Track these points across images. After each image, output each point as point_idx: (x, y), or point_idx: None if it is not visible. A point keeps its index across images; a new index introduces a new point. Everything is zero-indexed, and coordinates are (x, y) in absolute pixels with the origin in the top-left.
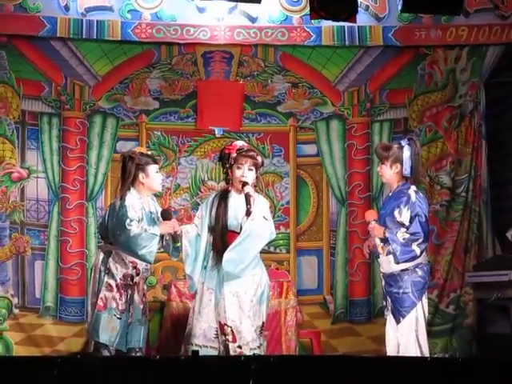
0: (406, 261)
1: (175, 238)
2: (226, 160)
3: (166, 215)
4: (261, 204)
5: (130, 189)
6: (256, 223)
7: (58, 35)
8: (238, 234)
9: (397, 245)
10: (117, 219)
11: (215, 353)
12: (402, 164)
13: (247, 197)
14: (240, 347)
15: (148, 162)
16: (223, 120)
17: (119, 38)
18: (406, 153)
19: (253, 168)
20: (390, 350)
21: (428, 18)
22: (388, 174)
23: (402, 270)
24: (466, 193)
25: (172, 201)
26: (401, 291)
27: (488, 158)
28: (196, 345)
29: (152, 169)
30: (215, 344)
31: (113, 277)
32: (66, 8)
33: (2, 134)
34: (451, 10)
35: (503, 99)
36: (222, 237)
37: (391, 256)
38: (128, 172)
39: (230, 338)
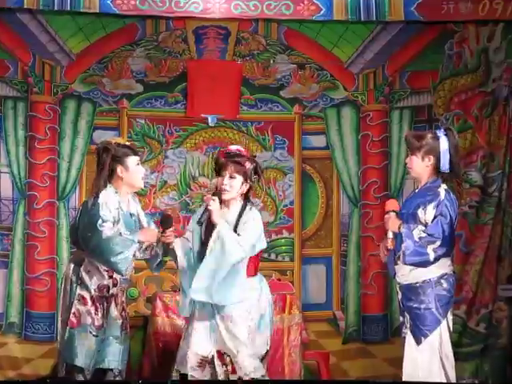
0: (415, 264)
1: (167, 250)
2: (215, 167)
3: (166, 222)
4: (231, 217)
5: (106, 185)
6: (218, 241)
7: (26, 6)
8: None
9: (411, 243)
10: (88, 219)
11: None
12: (435, 157)
13: (210, 213)
14: (240, 379)
15: (126, 153)
16: (217, 106)
17: (97, 11)
18: (444, 144)
19: (236, 176)
20: (409, 375)
21: None
22: (419, 166)
23: (424, 282)
24: (499, 192)
25: (157, 200)
26: (422, 306)
27: None
28: (177, 371)
29: (132, 161)
30: (197, 374)
31: (86, 288)
32: None
33: None
34: None
35: None
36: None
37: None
38: (102, 165)
39: (229, 368)
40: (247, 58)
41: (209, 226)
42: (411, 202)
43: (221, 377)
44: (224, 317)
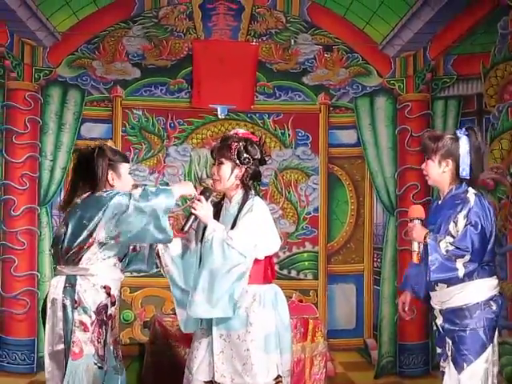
0: (440, 280)
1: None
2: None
3: (206, 192)
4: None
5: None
6: (209, 246)
7: None
8: None
9: (437, 256)
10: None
11: None
12: (455, 161)
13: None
14: None
15: (119, 159)
16: (228, 96)
17: None
18: (464, 147)
19: (223, 161)
20: None
21: None
22: (436, 172)
23: (473, 305)
24: None
25: None
26: (468, 329)
27: None
28: None
29: (124, 168)
30: None
31: (85, 312)
32: None
33: None
34: None
35: None
36: None
37: (454, 287)
38: (101, 168)
39: None
40: (264, 38)
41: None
42: (439, 215)
43: None
44: (223, 333)
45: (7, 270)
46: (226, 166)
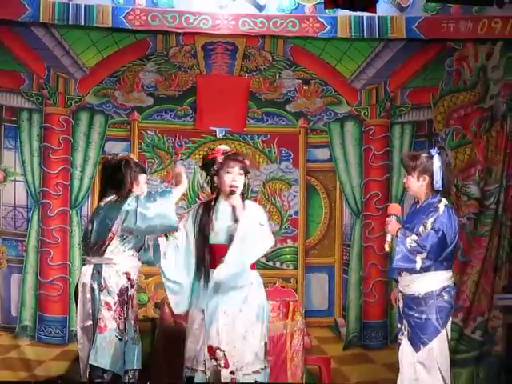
0: (401, 269)
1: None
2: (210, 166)
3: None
4: (253, 210)
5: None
6: (248, 230)
7: (41, 20)
8: (228, 246)
9: (403, 248)
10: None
11: (203, 377)
12: (430, 175)
13: (234, 209)
14: (233, 373)
15: (139, 170)
16: (225, 120)
17: (110, 26)
18: (437, 163)
19: (243, 172)
20: (404, 379)
21: (457, 9)
22: (415, 186)
23: (427, 294)
24: (496, 205)
25: None
26: (423, 316)
27: None
28: (187, 367)
29: (143, 178)
30: (203, 367)
31: (110, 294)
32: None
33: None
34: None
35: None
36: (208, 250)
37: (415, 275)
38: (128, 177)
39: (222, 362)
40: (254, 73)
41: (207, 220)
42: (415, 218)
43: (208, 370)
44: (225, 309)
45: (44, 260)
46: (244, 177)
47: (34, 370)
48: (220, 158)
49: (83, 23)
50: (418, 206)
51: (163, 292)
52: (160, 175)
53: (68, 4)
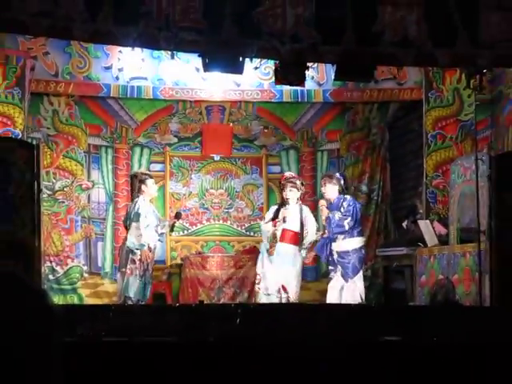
0: (338, 233)
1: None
2: (280, 185)
3: (178, 216)
4: (306, 213)
5: (138, 196)
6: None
7: (112, 95)
8: (292, 231)
9: (334, 222)
10: (135, 213)
11: (277, 300)
12: (340, 185)
13: (285, 209)
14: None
15: (146, 177)
16: (219, 149)
17: (151, 97)
18: (341, 180)
19: (293, 189)
20: (331, 300)
21: (351, 84)
22: (331, 191)
23: (353, 250)
24: (377, 197)
25: (187, 202)
26: (350, 262)
27: (390, 175)
28: (265, 293)
29: (149, 182)
30: (276, 297)
31: (134, 254)
32: (117, 78)
33: (75, 159)
34: (366, 78)
35: (400, 136)
36: (279, 232)
37: (347, 240)
38: (134, 185)
39: (289, 295)
40: (235, 123)
41: (276, 215)
42: (333, 207)
43: (283, 300)
44: (288, 267)
45: (116, 233)
46: (296, 191)
47: (112, 297)
48: (282, 181)
49: (135, 96)
50: (333, 201)
51: (185, 251)
52: (182, 183)
53: (127, 85)
